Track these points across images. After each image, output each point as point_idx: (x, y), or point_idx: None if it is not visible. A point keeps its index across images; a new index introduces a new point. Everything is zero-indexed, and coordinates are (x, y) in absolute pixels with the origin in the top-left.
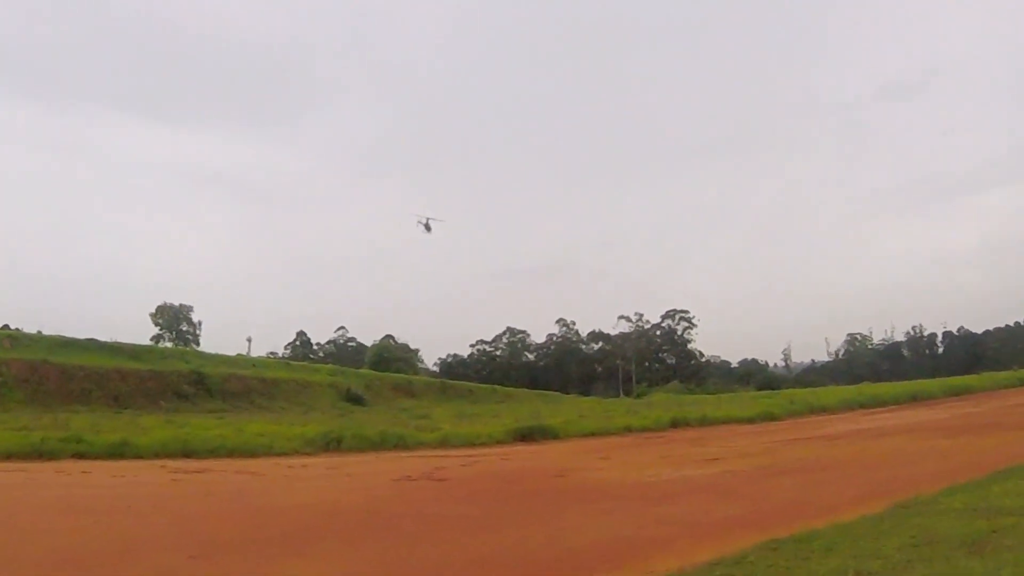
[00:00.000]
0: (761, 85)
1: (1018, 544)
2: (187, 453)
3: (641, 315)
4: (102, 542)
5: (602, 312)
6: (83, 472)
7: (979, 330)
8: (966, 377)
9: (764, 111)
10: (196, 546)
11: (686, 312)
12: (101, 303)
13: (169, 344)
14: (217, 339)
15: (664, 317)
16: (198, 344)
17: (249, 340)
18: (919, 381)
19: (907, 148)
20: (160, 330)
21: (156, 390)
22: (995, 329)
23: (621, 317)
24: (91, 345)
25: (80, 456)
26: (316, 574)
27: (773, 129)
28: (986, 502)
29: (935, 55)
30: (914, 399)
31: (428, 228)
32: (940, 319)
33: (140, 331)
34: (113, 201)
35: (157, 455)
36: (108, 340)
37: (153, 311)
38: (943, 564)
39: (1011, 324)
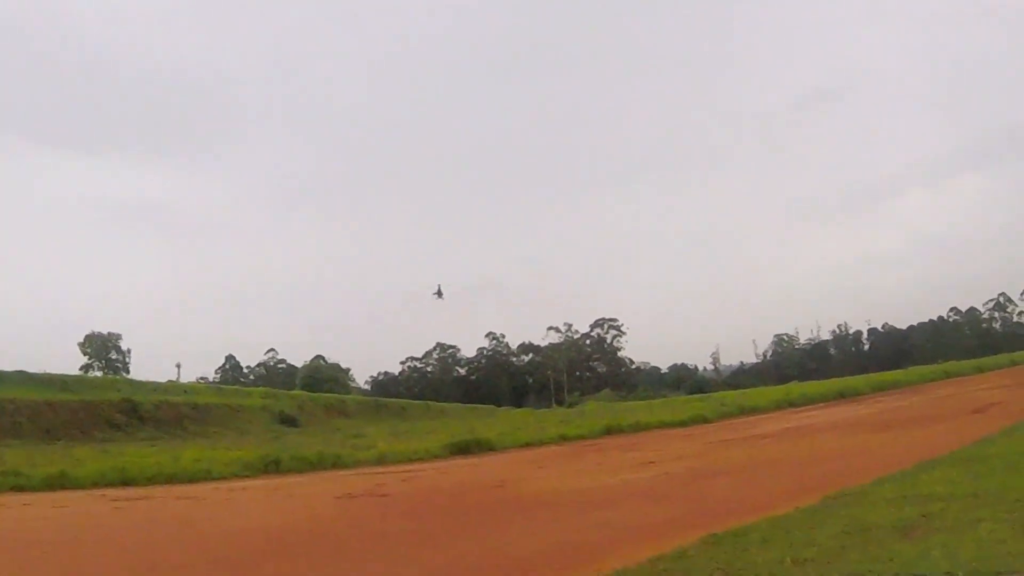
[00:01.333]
0: (682, 99)
1: (947, 527)
2: (126, 482)
3: (570, 325)
4: (53, 574)
5: (531, 324)
6: (24, 505)
7: (904, 326)
8: (892, 372)
9: (686, 125)
10: (146, 572)
11: (615, 320)
12: (29, 335)
13: (99, 373)
14: (147, 366)
15: (593, 326)
16: (128, 372)
17: (179, 366)
18: (846, 378)
19: (828, 155)
20: (89, 359)
21: (88, 421)
22: (919, 325)
23: (550, 328)
24: (20, 378)
25: (19, 489)
26: None
27: (696, 142)
28: (915, 490)
29: (852, 64)
30: (842, 396)
31: (440, 295)
32: (865, 317)
33: (69, 361)
34: (36, 233)
35: (96, 485)
36: (37, 372)
37: (81, 340)
38: (876, 548)
39: (935, 319)
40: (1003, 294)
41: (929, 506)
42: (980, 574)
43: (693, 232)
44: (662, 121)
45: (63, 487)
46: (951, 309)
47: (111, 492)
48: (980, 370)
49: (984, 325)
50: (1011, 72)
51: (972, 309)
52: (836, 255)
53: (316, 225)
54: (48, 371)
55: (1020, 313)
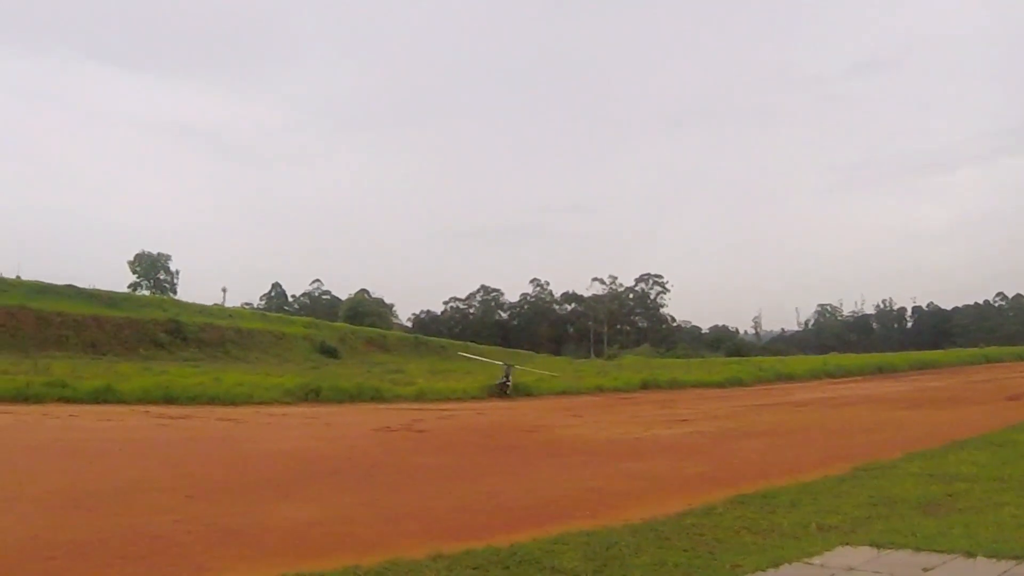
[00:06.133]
0: (738, 56)
1: (970, 507)
2: (169, 400)
3: (615, 278)
4: (100, 483)
5: (576, 274)
6: (70, 416)
7: (948, 307)
8: (932, 352)
9: (740, 82)
10: (190, 487)
11: (660, 277)
12: (80, 250)
13: (146, 292)
14: (193, 288)
15: (638, 281)
16: (175, 293)
17: (224, 290)
18: (886, 354)
19: (881, 124)
20: (138, 278)
21: (133, 338)
22: (964, 306)
23: (595, 279)
24: (69, 292)
25: (65, 400)
26: (307, 517)
27: (749, 101)
28: (942, 469)
29: (911, 31)
30: (880, 371)
31: (505, 390)
32: (910, 294)
33: (118, 279)
34: (90, 149)
35: (140, 401)
36: (86, 287)
37: (131, 259)
38: (899, 521)
39: (980, 302)
40: None
41: (955, 485)
42: (999, 555)
43: (743, 191)
44: (716, 74)
45: (108, 401)
46: (997, 294)
47: (155, 409)
48: (1021, 358)
49: None
50: None
51: (1019, 296)
52: (884, 228)
53: (366, 156)
54: (97, 287)
55: None
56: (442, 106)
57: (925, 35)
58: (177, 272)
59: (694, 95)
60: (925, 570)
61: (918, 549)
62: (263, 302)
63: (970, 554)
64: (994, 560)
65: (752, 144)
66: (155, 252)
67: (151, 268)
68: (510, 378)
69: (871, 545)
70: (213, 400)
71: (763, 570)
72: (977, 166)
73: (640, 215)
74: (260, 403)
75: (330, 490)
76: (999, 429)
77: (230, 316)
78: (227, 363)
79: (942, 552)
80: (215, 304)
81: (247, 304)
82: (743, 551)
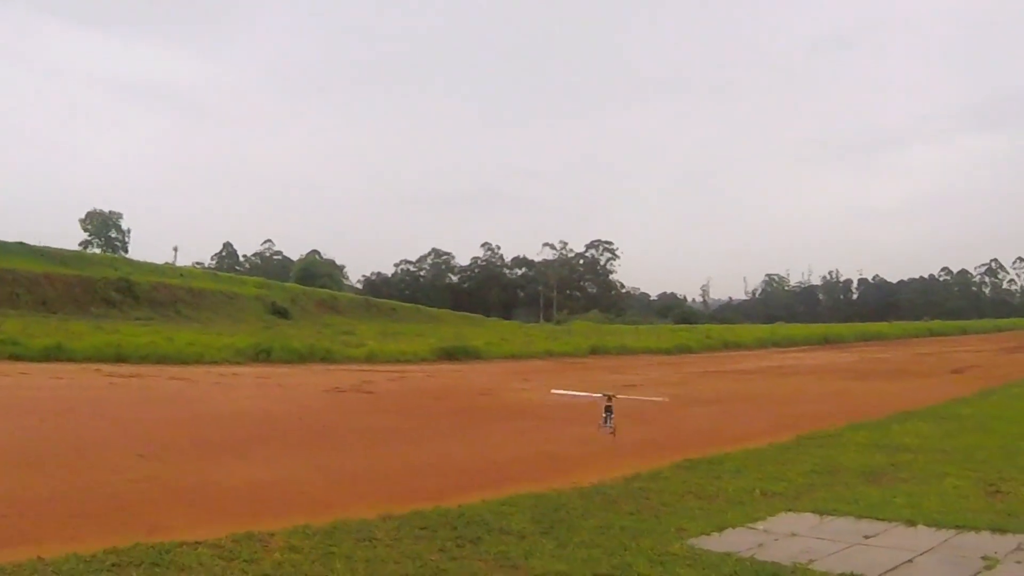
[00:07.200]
0: (698, 30)
1: (913, 477)
2: (120, 358)
3: (565, 243)
4: (52, 441)
5: (527, 239)
6: (21, 374)
7: (894, 280)
8: (878, 324)
9: (698, 55)
10: (142, 446)
11: (610, 243)
12: (30, 208)
13: (98, 251)
14: (145, 247)
15: (588, 247)
16: (127, 252)
17: (175, 249)
18: (832, 325)
19: (837, 101)
20: (89, 236)
21: (84, 296)
22: (909, 280)
23: (545, 244)
24: (20, 249)
25: (16, 359)
26: (259, 477)
27: (706, 73)
28: (886, 439)
29: (873, 10)
30: (826, 341)
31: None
32: (857, 267)
33: (69, 237)
34: (43, 106)
35: (91, 359)
36: (37, 244)
37: (83, 217)
38: (843, 489)
39: (925, 276)
40: (995, 260)
41: (898, 456)
42: (939, 525)
43: (695, 162)
44: (676, 47)
45: (59, 359)
46: (943, 269)
47: (105, 367)
48: (964, 332)
49: (974, 288)
50: None
51: (963, 271)
52: (834, 202)
53: (321, 118)
54: (48, 245)
55: (1010, 281)
56: (398, 71)
57: (885, 13)
58: (128, 231)
59: (652, 67)
60: (866, 537)
61: (860, 517)
62: (214, 262)
63: (911, 523)
64: (935, 529)
65: (708, 117)
66: (107, 210)
67: (102, 226)
68: (612, 412)
69: (814, 512)
70: (164, 359)
71: (708, 534)
72: (930, 144)
73: (592, 183)
74: (211, 363)
75: (282, 451)
76: (943, 402)
77: (181, 275)
78: (179, 323)
79: (884, 520)
80: (166, 263)
81: (198, 264)
82: (688, 515)
